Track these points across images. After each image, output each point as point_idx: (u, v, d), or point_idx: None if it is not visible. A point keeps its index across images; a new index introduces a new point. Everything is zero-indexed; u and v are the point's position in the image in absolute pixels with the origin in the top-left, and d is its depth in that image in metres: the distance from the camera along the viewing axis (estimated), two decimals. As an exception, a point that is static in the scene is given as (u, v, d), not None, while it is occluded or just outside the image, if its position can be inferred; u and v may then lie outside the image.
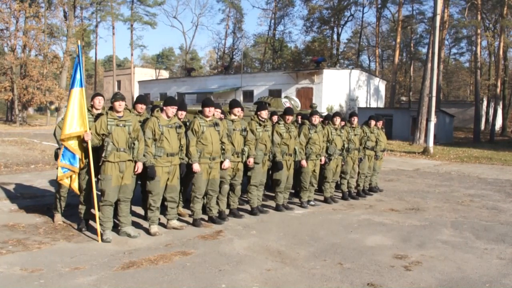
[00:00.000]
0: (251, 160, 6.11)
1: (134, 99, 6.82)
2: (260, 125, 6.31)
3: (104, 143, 4.81)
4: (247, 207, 6.56)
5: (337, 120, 7.45)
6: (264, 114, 6.35)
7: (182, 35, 72.11)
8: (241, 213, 6.27)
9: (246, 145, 6.06)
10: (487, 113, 37.73)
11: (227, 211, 6.17)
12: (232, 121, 5.99)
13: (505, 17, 29.13)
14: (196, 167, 5.45)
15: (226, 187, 5.98)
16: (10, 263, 4.08)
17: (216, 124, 5.66)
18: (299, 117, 8.16)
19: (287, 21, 71.54)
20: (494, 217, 6.68)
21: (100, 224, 4.96)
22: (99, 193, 5.01)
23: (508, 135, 36.19)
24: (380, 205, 7.41)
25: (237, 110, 6.10)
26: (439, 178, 11.09)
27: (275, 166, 6.53)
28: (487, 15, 33.37)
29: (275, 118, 6.99)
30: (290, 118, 6.70)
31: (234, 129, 5.94)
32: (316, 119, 7.00)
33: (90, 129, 4.91)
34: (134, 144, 4.93)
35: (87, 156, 4.96)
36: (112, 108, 5.00)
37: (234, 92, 30.43)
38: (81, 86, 5.01)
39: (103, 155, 4.80)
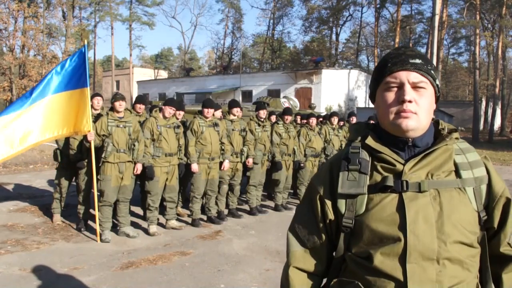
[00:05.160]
0: (250, 160, 6.12)
1: (133, 99, 6.81)
2: (259, 125, 6.32)
3: (104, 143, 4.80)
4: (246, 207, 6.57)
5: (335, 120, 7.45)
6: (262, 113, 6.36)
7: (181, 35, 72.00)
8: (240, 213, 6.28)
9: (245, 145, 6.07)
10: (486, 113, 37.72)
11: (226, 211, 6.18)
12: (231, 121, 6.00)
13: (504, 17, 29.12)
14: (194, 167, 5.45)
15: (225, 187, 5.99)
16: (9, 263, 4.09)
17: (215, 125, 5.66)
18: (298, 117, 8.17)
19: (286, 21, 71.56)
20: (492, 217, 6.68)
21: (99, 224, 4.96)
22: (98, 193, 5.01)
23: (506, 135, 36.23)
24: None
25: (236, 110, 6.11)
26: (438, 178, 11.07)
27: (274, 166, 6.53)
28: (485, 15, 33.34)
29: (273, 118, 7.00)
30: (289, 118, 6.71)
31: (233, 129, 5.95)
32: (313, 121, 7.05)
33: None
34: (134, 145, 4.93)
35: (88, 157, 4.95)
36: (112, 109, 5.00)
37: (233, 92, 30.38)
38: (87, 86, 4.98)
39: (102, 155, 4.79)
